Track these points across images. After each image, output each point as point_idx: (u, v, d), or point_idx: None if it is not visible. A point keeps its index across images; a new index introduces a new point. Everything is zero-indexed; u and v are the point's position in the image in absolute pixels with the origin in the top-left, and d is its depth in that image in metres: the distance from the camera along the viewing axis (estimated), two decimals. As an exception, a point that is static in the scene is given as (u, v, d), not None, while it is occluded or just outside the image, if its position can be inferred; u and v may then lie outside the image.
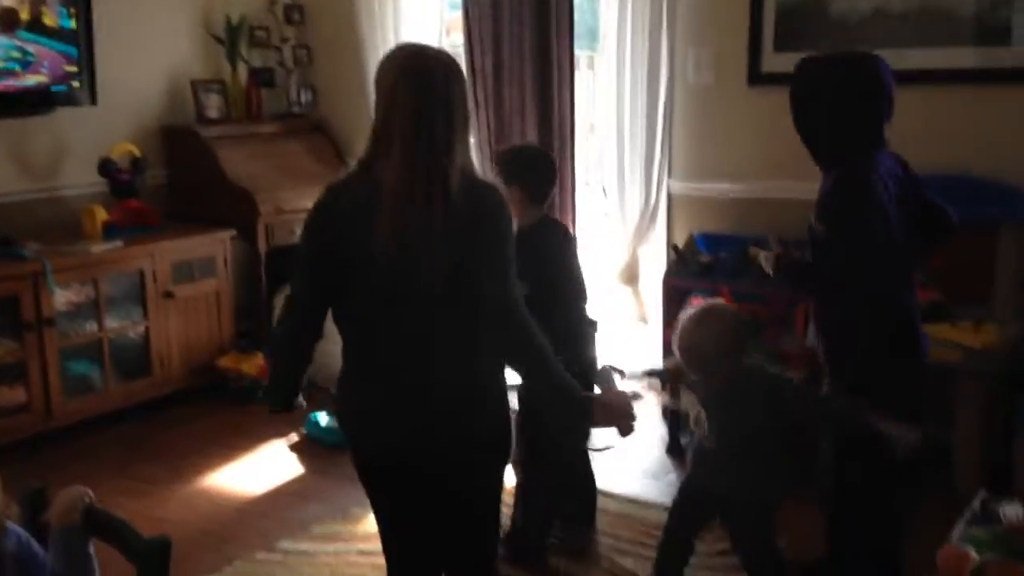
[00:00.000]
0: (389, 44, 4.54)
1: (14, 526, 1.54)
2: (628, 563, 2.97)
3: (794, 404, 2.49)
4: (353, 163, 1.96)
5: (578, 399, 1.94)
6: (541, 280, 2.63)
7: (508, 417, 1.99)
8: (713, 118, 4.22)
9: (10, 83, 4.04)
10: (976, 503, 2.45)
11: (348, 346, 1.95)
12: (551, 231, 3.01)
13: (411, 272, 1.80)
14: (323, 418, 4.06)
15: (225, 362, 4.52)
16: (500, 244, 1.88)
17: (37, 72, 4.12)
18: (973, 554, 2.10)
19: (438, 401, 1.87)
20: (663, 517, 2.91)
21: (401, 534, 2.03)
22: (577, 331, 2.98)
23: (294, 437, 4.10)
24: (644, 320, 4.55)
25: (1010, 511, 2.34)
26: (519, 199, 2.90)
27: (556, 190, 3.10)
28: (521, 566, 2.98)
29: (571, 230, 3.07)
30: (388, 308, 1.85)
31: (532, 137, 4.50)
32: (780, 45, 3.98)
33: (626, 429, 1.99)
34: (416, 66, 1.87)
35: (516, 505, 3.07)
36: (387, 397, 1.89)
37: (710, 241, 4.14)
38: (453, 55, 1.97)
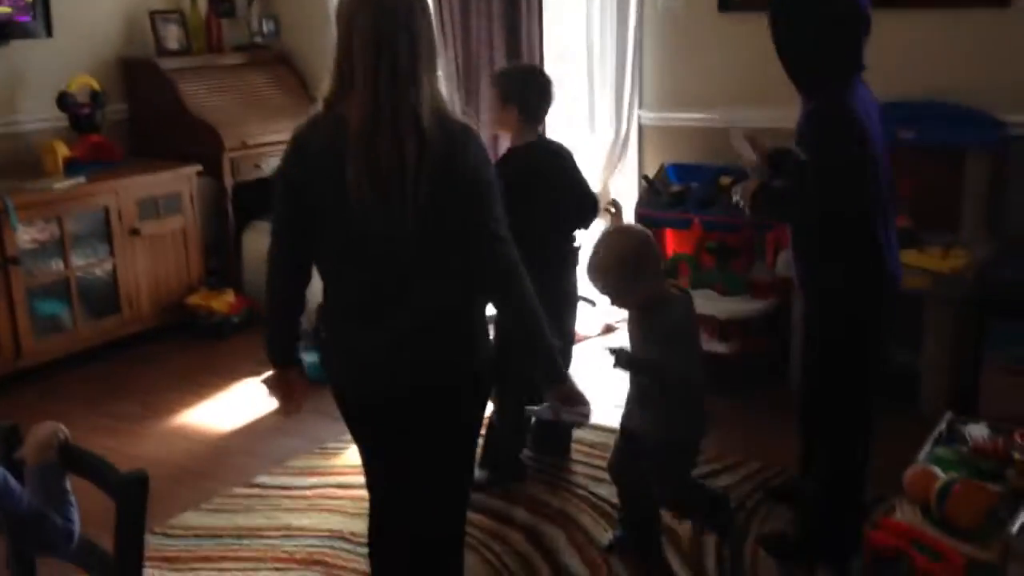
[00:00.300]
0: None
1: None
2: (603, 491, 3.02)
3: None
4: (317, 97, 1.91)
5: (550, 367, 1.94)
6: (533, 200, 2.65)
7: (489, 349, 1.99)
8: (684, 46, 4.17)
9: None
10: (943, 425, 2.51)
11: (328, 286, 1.95)
12: (544, 150, 3.02)
13: (386, 212, 1.77)
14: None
15: (195, 299, 4.48)
16: (476, 180, 1.84)
17: (-12, 3, 4.00)
18: (939, 473, 2.15)
19: (418, 338, 1.86)
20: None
21: (387, 464, 2.04)
22: (567, 262, 3.03)
23: (268, 374, 4.08)
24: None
25: (976, 432, 2.40)
26: (515, 119, 2.91)
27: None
28: (500, 478, 3.06)
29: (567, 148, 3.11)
30: (365, 248, 1.83)
31: (502, 67, 4.44)
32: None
33: (577, 420, 2.01)
34: None
35: (489, 423, 3.12)
36: (368, 336, 1.88)
37: (681, 171, 4.13)
38: None
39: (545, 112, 3.02)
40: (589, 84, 4.36)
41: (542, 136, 3.12)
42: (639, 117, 4.33)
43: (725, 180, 3.77)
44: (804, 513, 2.71)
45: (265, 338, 2.10)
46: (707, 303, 3.67)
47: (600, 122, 4.37)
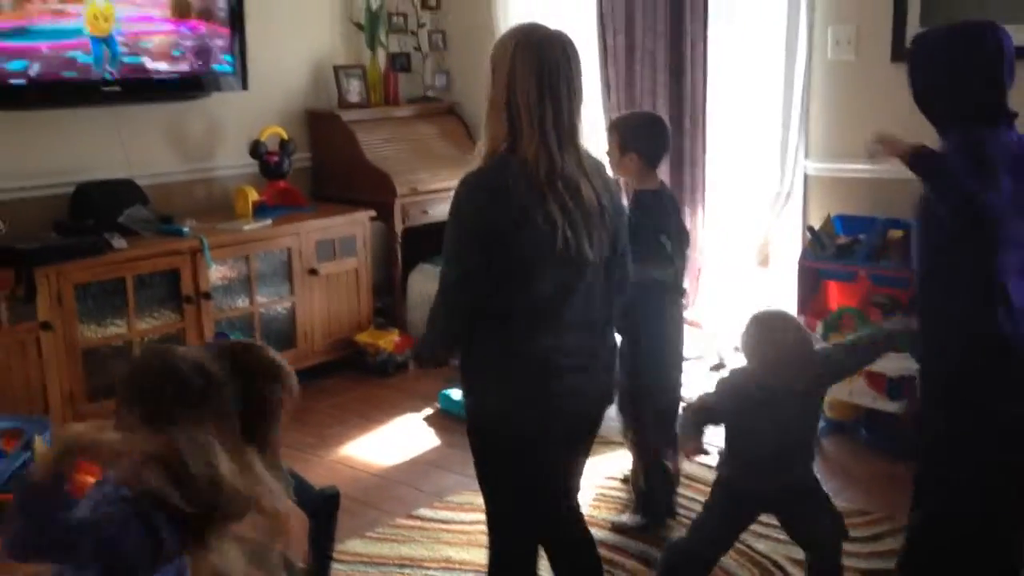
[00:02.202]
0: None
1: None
2: (761, 546, 2.96)
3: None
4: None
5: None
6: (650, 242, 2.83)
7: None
8: (853, 96, 4.11)
9: (172, 68, 4.30)
10: None
11: (502, 327, 2.00)
12: (669, 197, 3.15)
13: (579, 254, 1.93)
14: (455, 393, 4.18)
15: (363, 337, 4.70)
16: (622, 214, 2.07)
17: (195, 57, 4.38)
18: None
19: (602, 371, 2.05)
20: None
21: (540, 495, 2.15)
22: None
23: (428, 411, 4.24)
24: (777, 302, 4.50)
25: None
26: (637, 165, 2.97)
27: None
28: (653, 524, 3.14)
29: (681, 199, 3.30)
30: (563, 290, 1.97)
31: (664, 114, 4.48)
32: (926, 19, 3.85)
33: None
34: (534, 41, 1.91)
35: (635, 470, 3.19)
36: (565, 373, 2.00)
37: (848, 223, 4.05)
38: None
39: (663, 156, 3.11)
40: (754, 134, 4.35)
41: (663, 182, 3.21)
42: (805, 167, 4.29)
43: (895, 233, 3.67)
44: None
45: (424, 345, 2.18)
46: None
47: (764, 172, 4.34)
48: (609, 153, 3.01)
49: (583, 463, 2.31)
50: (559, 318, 1.97)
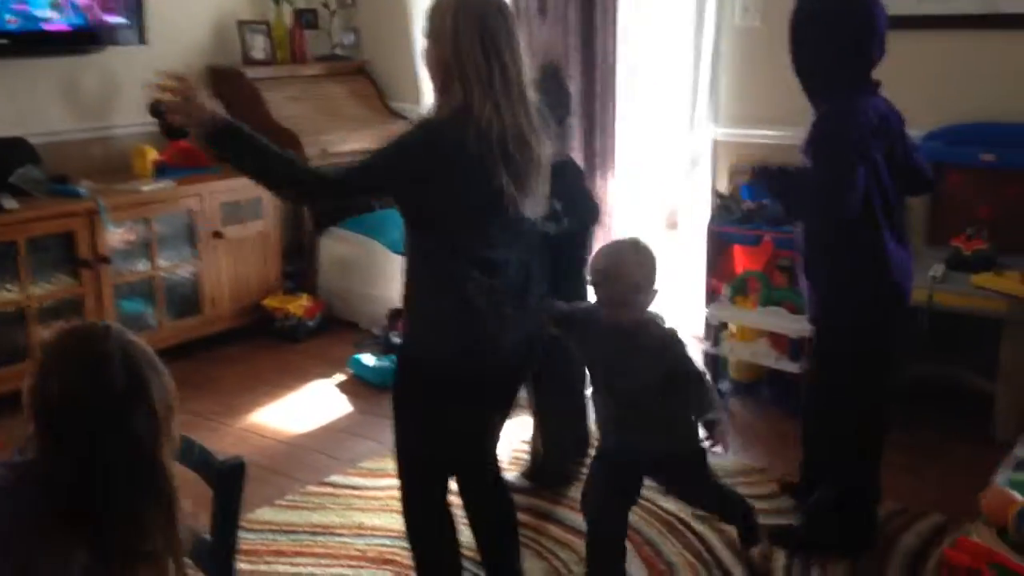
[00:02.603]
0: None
1: None
2: (669, 505, 3.04)
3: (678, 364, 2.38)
4: (395, 105, 2.16)
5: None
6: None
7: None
8: (761, 62, 4.18)
9: (60, 21, 4.08)
10: (1019, 449, 2.48)
11: (436, 273, 2.09)
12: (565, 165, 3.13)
13: (520, 208, 2.04)
14: (368, 359, 4.14)
15: (272, 302, 4.61)
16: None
17: (87, 10, 4.17)
18: (1017, 496, 2.13)
19: (530, 323, 2.19)
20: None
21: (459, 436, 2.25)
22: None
23: (340, 377, 4.19)
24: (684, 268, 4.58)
25: (1054, 457, 2.37)
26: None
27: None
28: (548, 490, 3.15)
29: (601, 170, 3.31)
30: (501, 242, 2.08)
31: (575, 79, 4.49)
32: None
33: None
34: (472, 4, 1.97)
35: (535, 435, 3.21)
36: (492, 321, 2.09)
37: (754, 188, 4.13)
38: None
39: (564, 119, 3.07)
40: (662, 99, 4.39)
41: (567, 154, 3.18)
42: (713, 132, 4.35)
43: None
44: (812, 516, 2.81)
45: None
46: (778, 321, 3.67)
47: (673, 137, 4.39)
48: None
49: (505, 414, 2.33)
50: (495, 267, 2.08)
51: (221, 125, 2.01)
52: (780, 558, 2.75)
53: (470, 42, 1.93)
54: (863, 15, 2.47)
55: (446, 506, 2.32)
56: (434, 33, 2.01)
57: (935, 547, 2.76)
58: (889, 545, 2.81)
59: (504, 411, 2.31)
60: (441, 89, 2.03)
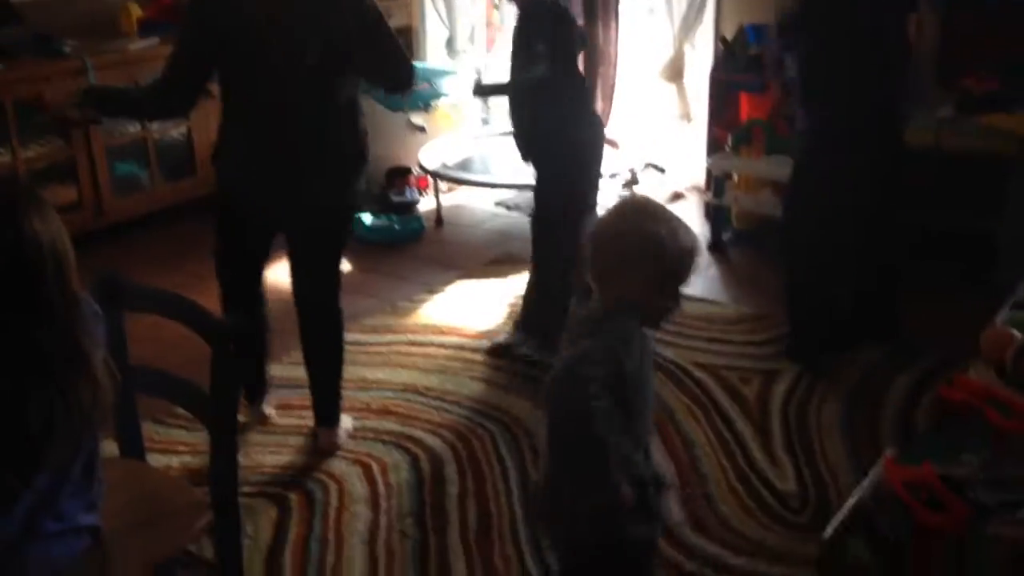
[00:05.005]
0: None
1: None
2: (669, 353, 3.06)
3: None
4: None
5: None
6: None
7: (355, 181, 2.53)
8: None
9: None
10: (1021, 289, 2.46)
11: (225, 110, 2.42)
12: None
13: (282, 44, 2.23)
14: (367, 217, 4.11)
15: (267, 162, 4.54)
16: (367, 25, 2.33)
17: None
18: (1017, 334, 2.13)
19: (312, 176, 2.41)
20: (703, 309, 3.14)
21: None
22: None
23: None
24: (688, 118, 4.48)
25: (1056, 296, 2.36)
26: None
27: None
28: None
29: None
30: (261, 78, 2.28)
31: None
32: None
33: None
34: None
35: (530, 293, 3.17)
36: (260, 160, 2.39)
37: (761, 33, 3.99)
38: None
39: None
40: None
41: None
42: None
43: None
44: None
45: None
46: (782, 169, 3.60)
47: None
48: None
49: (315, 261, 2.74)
50: (264, 115, 2.35)
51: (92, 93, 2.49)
52: (777, 396, 2.78)
53: None
54: None
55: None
56: None
57: (931, 388, 2.79)
58: (885, 385, 2.85)
59: None
60: None
